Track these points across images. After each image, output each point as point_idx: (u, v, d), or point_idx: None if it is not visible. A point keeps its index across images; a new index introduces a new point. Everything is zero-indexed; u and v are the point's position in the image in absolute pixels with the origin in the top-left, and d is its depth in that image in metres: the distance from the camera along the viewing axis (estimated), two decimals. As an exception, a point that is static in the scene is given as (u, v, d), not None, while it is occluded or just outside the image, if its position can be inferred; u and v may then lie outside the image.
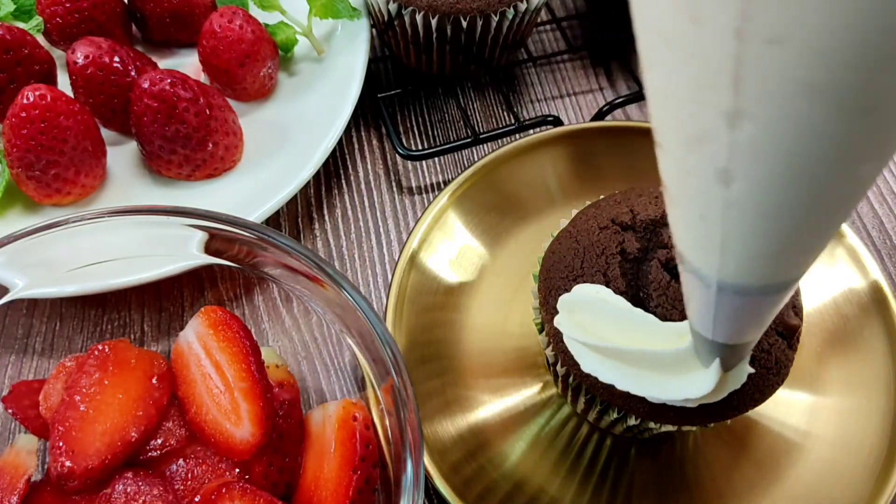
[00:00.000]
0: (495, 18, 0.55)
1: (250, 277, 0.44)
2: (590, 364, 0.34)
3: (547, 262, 0.41)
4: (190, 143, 0.52)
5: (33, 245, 0.38)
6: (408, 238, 0.51)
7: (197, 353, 0.39)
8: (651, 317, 0.34)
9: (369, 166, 0.61)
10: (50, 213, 0.53)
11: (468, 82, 0.66)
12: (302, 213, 0.58)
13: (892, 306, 0.49)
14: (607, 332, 0.34)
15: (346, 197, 0.59)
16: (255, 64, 0.57)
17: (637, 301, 0.36)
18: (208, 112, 0.52)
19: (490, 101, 0.65)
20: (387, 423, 0.37)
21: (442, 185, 0.60)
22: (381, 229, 0.58)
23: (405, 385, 0.35)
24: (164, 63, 0.61)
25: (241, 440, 0.37)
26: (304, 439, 0.40)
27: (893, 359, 0.47)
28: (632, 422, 0.39)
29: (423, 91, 0.65)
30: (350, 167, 0.61)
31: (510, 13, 0.55)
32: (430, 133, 0.63)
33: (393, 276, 0.49)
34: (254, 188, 0.54)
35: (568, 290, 0.37)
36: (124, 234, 0.39)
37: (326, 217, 0.58)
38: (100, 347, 0.38)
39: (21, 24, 0.56)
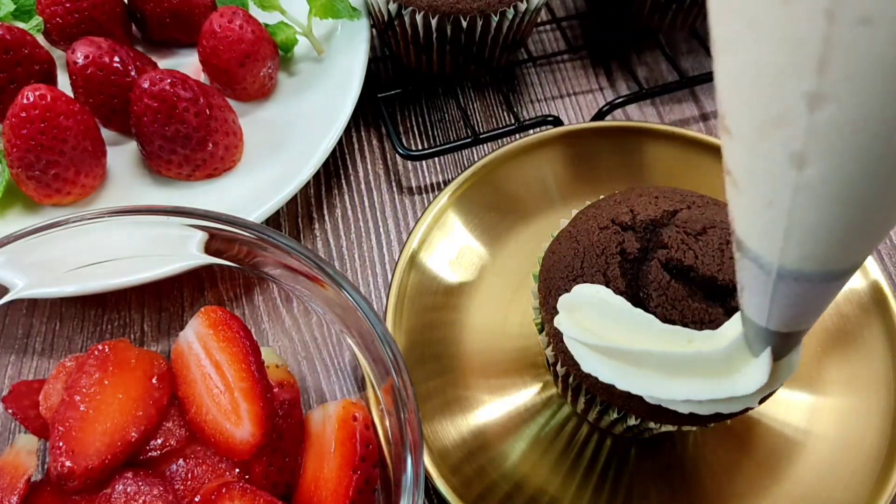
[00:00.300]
0: (495, 18, 0.55)
1: (250, 277, 0.44)
2: (590, 364, 0.34)
3: (547, 262, 0.41)
4: (190, 143, 0.52)
5: (33, 245, 0.38)
6: (408, 238, 0.51)
7: (197, 353, 0.39)
8: (651, 317, 0.34)
9: (369, 166, 0.61)
10: (50, 213, 0.53)
11: (468, 82, 0.66)
12: (302, 213, 0.58)
13: (892, 306, 0.49)
14: (607, 332, 0.34)
15: (346, 197, 0.59)
16: (255, 64, 0.57)
17: (637, 301, 0.36)
18: (208, 112, 0.52)
19: (490, 101, 0.65)
20: (387, 423, 0.37)
21: (442, 185, 0.60)
22: (381, 229, 0.58)
23: (405, 385, 0.35)
24: (164, 63, 0.61)
25: (241, 440, 0.37)
26: (304, 439, 0.40)
27: (893, 359, 0.47)
28: (632, 422, 0.39)
29: (423, 91, 0.65)
30: (350, 167, 0.61)
31: (510, 13, 0.55)
32: (430, 133, 0.63)
33: (393, 276, 0.49)
34: (254, 188, 0.54)
35: (568, 290, 0.37)
36: (124, 234, 0.39)
37: (326, 217, 0.58)
38: (100, 347, 0.38)
39: (21, 24, 0.56)
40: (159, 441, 0.38)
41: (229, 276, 0.45)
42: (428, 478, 0.43)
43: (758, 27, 0.17)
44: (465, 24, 0.54)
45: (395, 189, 0.60)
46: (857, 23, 0.15)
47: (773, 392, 0.35)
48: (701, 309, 0.35)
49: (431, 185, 0.60)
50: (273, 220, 0.57)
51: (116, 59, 0.54)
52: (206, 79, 0.59)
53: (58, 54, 0.59)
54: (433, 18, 0.54)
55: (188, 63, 0.61)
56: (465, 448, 0.45)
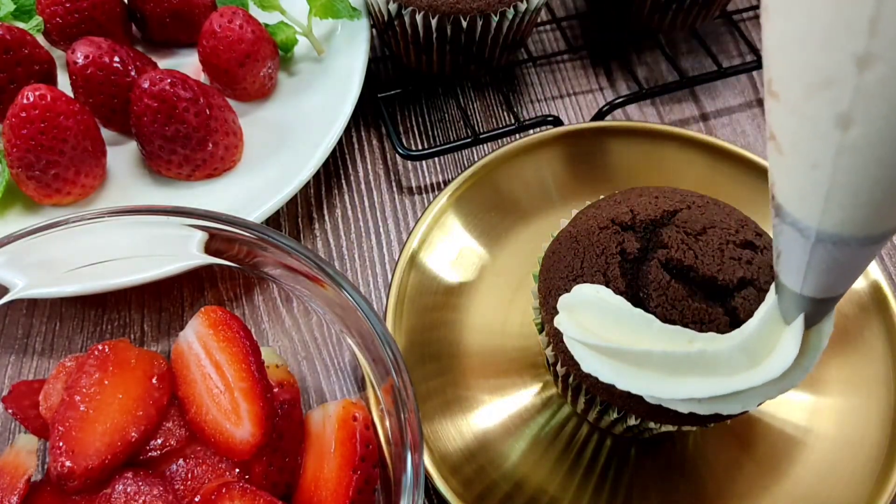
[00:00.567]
0: (495, 18, 0.55)
1: (250, 277, 0.44)
2: (590, 364, 0.34)
3: (547, 262, 0.41)
4: (190, 143, 0.52)
5: (33, 245, 0.38)
6: (408, 238, 0.51)
7: (197, 353, 0.39)
8: (651, 317, 0.34)
9: (369, 166, 0.61)
10: (50, 213, 0.53)
11: (468, 82, 0.66)
12: (302, 213, 0.58)
13: (892, 306, 0.49)
14: (607, 332, 0.34)
15: (346, 197, 0.59)
16: (255, 64, 0.57)
17: (637, 301, 0.36)
18: (208, 112, 0.52)
19: (490, 101, 0.65)
20: (387, 423, 0.37)
21: (442, 185, 0.60)
22: (381, 229, 0.58)
23: (405, 385, 0.35)
24: (164, 63, 0.61)
25: (241, 440, 0.37)
26: (304, 439, 0.40)
27: (893, 359, 0.47)
28: (632, 422, 0.39)
29: (423, 91, 0.65)
30: (350, 167, 0.61)
31: (510, 13, 0.55)
32: (430, 133, 0.63)
33: (393, 276, 0.49)
34: (254, 188, 0.54)
35: (568, 290, 0.37)
36: (124, 234, 0.39)
37: (326, 217, 0.58)
38: (100, 347, 0.38)
39: (21, 24, 0.56)
40: (159, 441, 0.38)
41: (229, 276, 0.45)
42: (428, 478, 0.43)
43: None
44: (465, 24, 0.54)
45: (395, 189, 0.60)
46: None
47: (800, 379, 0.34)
48: (701, 309, 0.35)
49: (431, 185, 0.60)
50: (273, 220, 0.57)
51: (116, 59, 0.54)
52: (206, 79, 0.59)
53: (58, 54, 0.59)
54: (433, 18, 0.54)
55: (188, 63, 0.61)
56: (465, 448, 0.45)
